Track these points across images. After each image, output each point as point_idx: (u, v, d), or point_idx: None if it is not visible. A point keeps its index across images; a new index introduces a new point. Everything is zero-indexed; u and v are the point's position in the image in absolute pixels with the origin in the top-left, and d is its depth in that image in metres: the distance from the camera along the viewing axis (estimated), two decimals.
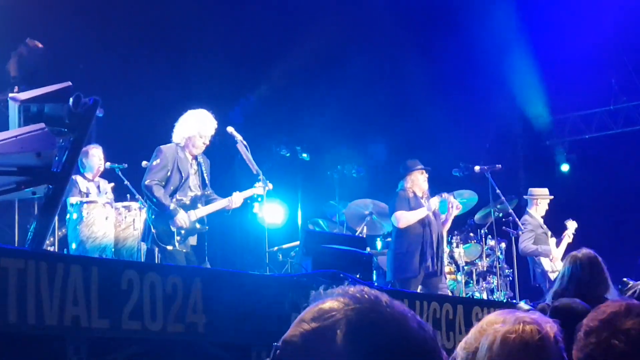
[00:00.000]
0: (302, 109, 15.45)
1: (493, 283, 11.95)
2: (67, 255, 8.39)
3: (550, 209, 16.31)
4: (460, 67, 15.80)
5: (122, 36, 13.22)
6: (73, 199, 9.89)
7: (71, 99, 6.31)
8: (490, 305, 7.98)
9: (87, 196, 10.22)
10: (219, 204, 9.36)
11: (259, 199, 9.52)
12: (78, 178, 10.43)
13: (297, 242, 11.62)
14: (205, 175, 9.47)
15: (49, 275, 4.97)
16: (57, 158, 6.36)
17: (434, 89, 15.84)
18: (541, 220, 12.42)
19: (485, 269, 12.26)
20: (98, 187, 10.61)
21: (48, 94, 6.48)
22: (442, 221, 10.83)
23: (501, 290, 11.91)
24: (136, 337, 5.49)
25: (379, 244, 13.11)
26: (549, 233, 12.30)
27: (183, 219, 9.09)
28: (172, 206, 9.05)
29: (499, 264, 12.04)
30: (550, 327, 2.41)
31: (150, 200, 9.15)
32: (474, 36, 15.27)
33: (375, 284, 10.06)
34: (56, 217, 6.75)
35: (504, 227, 12.21)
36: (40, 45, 11.96)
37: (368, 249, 10.72)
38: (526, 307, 5.31)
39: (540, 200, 12.59)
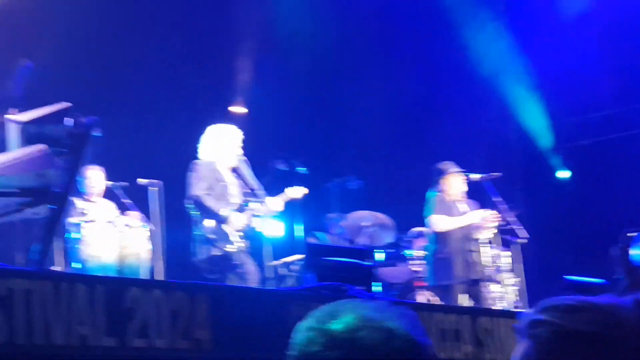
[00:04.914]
0: (299, 122, 15.45)
1: (498, 292, 11.86)
2: (71, 274, 8.36)
3: (549, 215, 16.29)
4: (456, 75, 15.79)
5: (119, 55, 13.25)
6: (72, 220, 9.88)
7: (70, 119, 6.31)
8: (497, 314, 7.93)
9: (84, 216, 10.21)
10: (261, 208, 9.61)
11: (261, 216, 9.62)
12: (76, 199, 10.41)
13: (299, 256, 11.60)
14: (247, 180, 9.67)
15: (54, 294, 4.95)
16: (57, 178, 6.36)
17: (430, 99, 15.85)
18: None
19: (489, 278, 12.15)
20: (98, 207, 10.58)
21: (47, 115, 6.48)
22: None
23: (506, 299, 11.82)
24: (143, 355, 5.46)
25: (379, 255, 13.07)
26: None
27: (238, 221, 9.33)
28: (224, 212, 9.27)
29: (503, 272, 11.93)
30: None
31: (201, 210, 9.24)
32: (469, 44, 15.28)
33: (379, 295, 10.02)
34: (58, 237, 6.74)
35: (506, 236, 12.11)
36: (28, 64, 11.91)
37: (370, 260, 10.66)
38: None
39: None
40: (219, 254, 9.23)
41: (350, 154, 15.37)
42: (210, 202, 9.24)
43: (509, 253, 12.09)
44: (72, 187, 6.52)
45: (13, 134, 6.47)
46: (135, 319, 5.35)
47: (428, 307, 8.38)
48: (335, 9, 14.93)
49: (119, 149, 12.21)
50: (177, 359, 5.74)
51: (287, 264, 12.14)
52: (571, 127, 16.88)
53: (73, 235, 9.75)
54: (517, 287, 12.00)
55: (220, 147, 9.57)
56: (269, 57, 14.81)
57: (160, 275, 9.80)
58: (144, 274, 9.73)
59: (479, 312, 7.99)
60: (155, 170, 11.00)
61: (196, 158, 9.65)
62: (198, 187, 9.27)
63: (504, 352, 7.60)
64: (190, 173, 9.41)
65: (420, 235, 12.71)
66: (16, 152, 6.36)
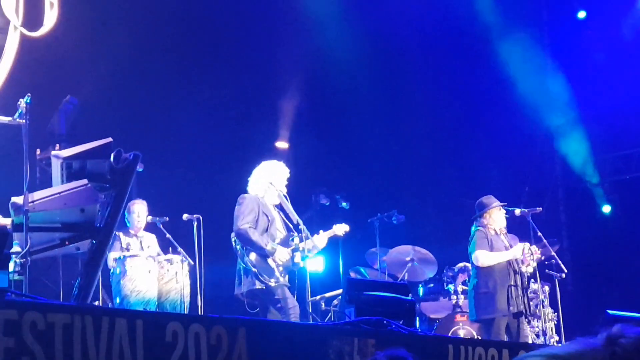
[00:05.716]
0: (341, 157, 15.49)
1: (538, 327, 11.81)
2: (112, 309, 8.43)
3: (591, 249, 16.17)
4: (499, 110, 15.79)
5: (163, 91, 13.39)
6: (114, 254, 9.98)
7: (112, 155, 6.39)
8: (536, 349, 7.85)
9: (128, 251, 10.31)
10: (305, 244, 9.63)
11: (303, 251, 9.63)
12: (120, 233, 10.51)
13: (340, 291, 11.60)
14: (290, 215, 9.76)
15: (94, 329, 4.99)
16: (100, 213, 6.44)
17: (472, 133, 15.83)
18: None
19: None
20: (141, 241, 10.67)
21: (89, 150, 6.56)
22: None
23: (547, 335, 11.77)
24: None
25: (420, 290, 13.07)
26: None
27: (282, 255, 9.42)
28: (269, 246, 9.36)
29: (543, 307, 11.91)
30: None
31: (246, 243, 9.36)
32: (512, 78, 15.29)
33: (419, 330, 9.99)
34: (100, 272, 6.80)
35: (547, 270, 12.06)
36: (72, 100, 12.09)
37: (410, 295, 10.63)
38: None
39: None
40: (262, 287, 9.27)
41: (393, 189, 15.38)
42: (255, 236, 9.29)
43: (548, 288, 12.05)
44: (115, 222, 6.58)
45: (56, 169, 6.57)
46: (175, 354, 5.38)
47: (468, 341, 8.32)
48: (374, 46, 15.00)
49: (162, 184, 12.32)
50: None
51: (327, 299, 12.16)
52: (615, 162, 16.78)
53: (116, 269, 9.85)
54: (554, 322, 11.94)
55: (269, 182, 9.64)
56: (312, 93, 14.90)
57: (199, 310, 9.85)
58: (184, 309, 9.78)
59: (519, 346, 7.93)
60: (197, 205, 11.08)
61: (239, 192, 9.72)
62: (244, 221, 9.34)
63: None
64: (238, 207, 9.48)
65: (463, 270, 12.69)
66: (59, 187, 6.45)
